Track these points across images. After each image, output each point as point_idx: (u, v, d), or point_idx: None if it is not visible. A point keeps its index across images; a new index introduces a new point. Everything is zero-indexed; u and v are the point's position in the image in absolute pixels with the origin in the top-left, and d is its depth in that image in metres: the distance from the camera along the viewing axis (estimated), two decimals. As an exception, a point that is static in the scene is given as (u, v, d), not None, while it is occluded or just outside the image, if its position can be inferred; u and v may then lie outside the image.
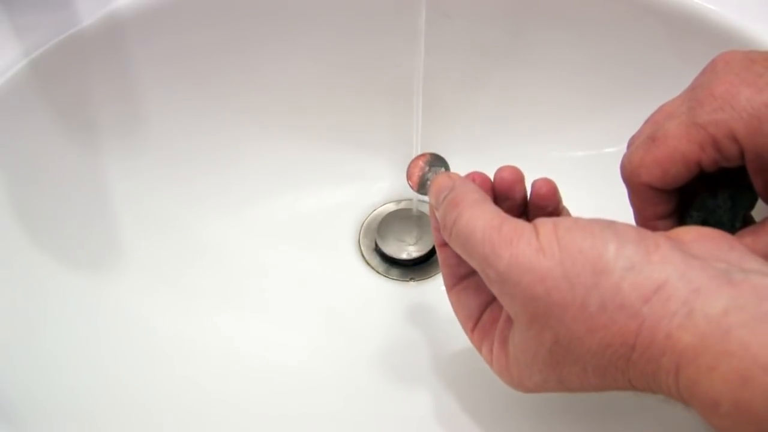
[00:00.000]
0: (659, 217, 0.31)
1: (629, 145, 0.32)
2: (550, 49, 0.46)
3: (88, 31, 0.40)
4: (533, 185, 0.31)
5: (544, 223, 0.26)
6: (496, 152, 0.49)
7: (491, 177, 0.32)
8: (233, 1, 0.43)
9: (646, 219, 0.32)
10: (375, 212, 0.49)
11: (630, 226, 0.26)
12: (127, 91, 0.43)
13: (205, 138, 0.47)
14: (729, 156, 0.28)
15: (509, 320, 0.29)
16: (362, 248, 0.48)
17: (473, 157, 0.48)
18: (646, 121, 0.32)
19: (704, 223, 0.31)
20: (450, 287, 0.33)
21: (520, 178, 0.31)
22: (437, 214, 0.30)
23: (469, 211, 0.28)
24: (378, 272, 0.47)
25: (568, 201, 0.33)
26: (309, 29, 0.45)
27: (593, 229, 0.25)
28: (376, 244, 0.47)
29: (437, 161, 0.34)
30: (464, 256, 0.28)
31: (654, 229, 0.31)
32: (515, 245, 0.26)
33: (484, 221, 0.27)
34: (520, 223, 0.27)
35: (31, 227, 0.39)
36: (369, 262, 0.47)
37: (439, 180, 0.31)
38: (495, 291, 0.27)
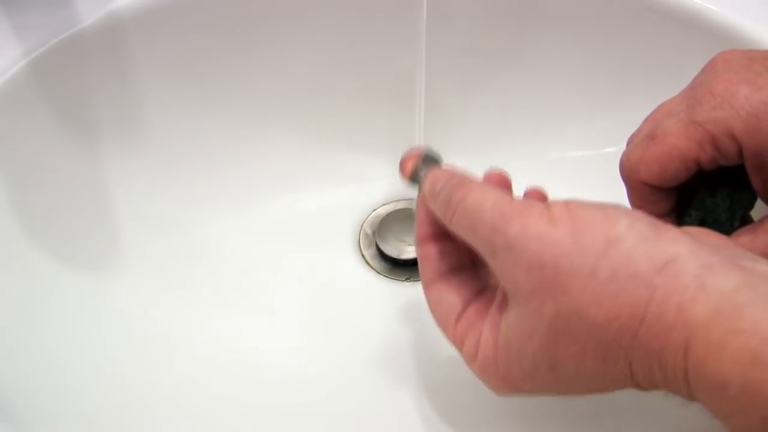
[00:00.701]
0: (658, 216, 0.31)
1: (628, 143, 0.32)
2: (550, 49, 0.46)
3: (88, 31, 0.40)
4: (525, 194, 0.32)
5: (555, 201, 0.26)
6: (497, 152, 0.49)
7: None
8: (234, 2, 0.43)
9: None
10: (375, 212, 0.49)
11: (640, 211, 0.26)
12: (127, 91, 0.43)
13: (206, 139, 0.47)
14: (727, 154, 0.28)
15: (503, 304, 0.28)
16: (362, 248, 0.48)
17: (474, 157, 0.48)
18: (646, 120, 0.32)
19: (702, 222, 0.31)
20: (429, 283, 0.31)
21: (507, 185, 0.31)
22: (435, 202, 0.30)
23: (478, 190, 0.28)
24: (377, 272, 0.47)
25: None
26: (309, 30, 0.45)
27: (604, 207, 0.25)
28: (376, 244, 0.47)
29: (432, 158, 0.33)
30: (467, 233, 0.28)
31: None
32: (527, 215, 0.26)
33: (494, 196, 0.27)
34: (531, 200, 0.27)
35: (32, 228, 0.39)
36: (369, 262, 0.47)
37: (437, 171, 0.31)
38: (499, 261, 0.26)
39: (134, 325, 0.40)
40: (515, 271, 0.26)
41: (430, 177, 0.31)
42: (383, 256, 0.47)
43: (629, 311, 0.23)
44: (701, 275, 0.23)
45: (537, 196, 0.31)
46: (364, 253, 0.47)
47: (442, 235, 0.31)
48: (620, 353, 0.24)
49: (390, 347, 0.42)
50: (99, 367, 0.38)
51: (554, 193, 0.32)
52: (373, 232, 0.48)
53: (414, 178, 0.32)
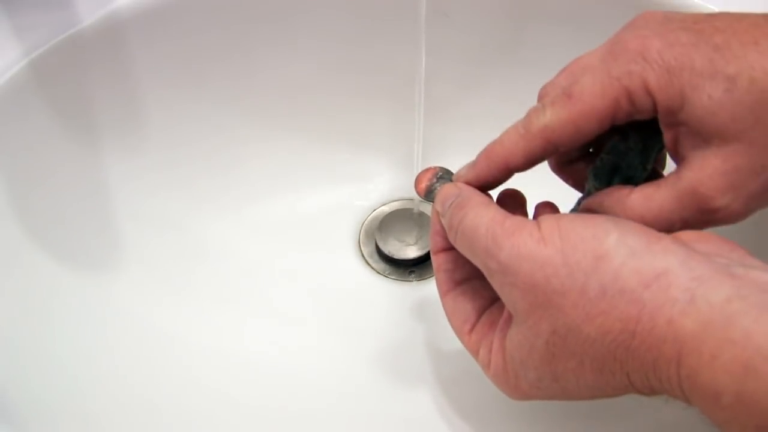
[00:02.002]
0: (568, 162, 0.32)
1: (542, 97, 0.32)
2: (549, 48, 0.46)
3: (88, 31, 0.40)
4: (537, 207, 0.32)
5: (546, 218, 0.27)
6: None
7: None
8: (234, 2, 0.43)
9: (556, 164, 0.32)
10: (375, 212, 0.49)
11: (632, 221, 0.26)
12: (127, 91, 0.43)
13: (206, 138, 0.47)
14: (642, 109, 0.27)
15: (509, 319, 0.29)
16: (362, 248, 0.48)
17: (474, 157, 0.48)
18: (562, 72, 0.32)
19: (615, 166, 0.31)
20: (445, 292, 0.32)
21: (521, 201, 0.32)
22: (444, 220, 0.30)
23: (475, 210, 0.28)
24: (378, 272, 0.47)
25: (567, 201, 0.33)
26: (308, 29, 0.45)
27: (595, 221, 0.26)
28: (376, 244, 0.47)
29: (446, 174, 0.34)
30: (468, 255, 0.29)
31: (566, 175, 0.32)
32: (517, 236, 0.26)
33: (488, 218, 0.27)
34: (524, 219, 0.27)
35: (32, 228, 0.39)
36: (369, 262, 0.47)
37: (446, 188, 0.31)
38: (496, 284, 0.27)
39: (135, 324, 0.40)
40: (511, 292, 0.26)
41: (441, 195, 0.31)
42: (383, 256, 0.47)
43: (620, 326, 0.24)
44: (692, 287, 0.23)
45: (548, 208, 0.31)
46: (364, 252, 0.47)
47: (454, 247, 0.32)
48: (616, 365, 0.24)
49: (390, 346, 0.42)
50: (99, 367, 0.37)
51: (554, 193, 0.32)
52: (373, 232, 0.48)
53: (429, 194, 0.32)
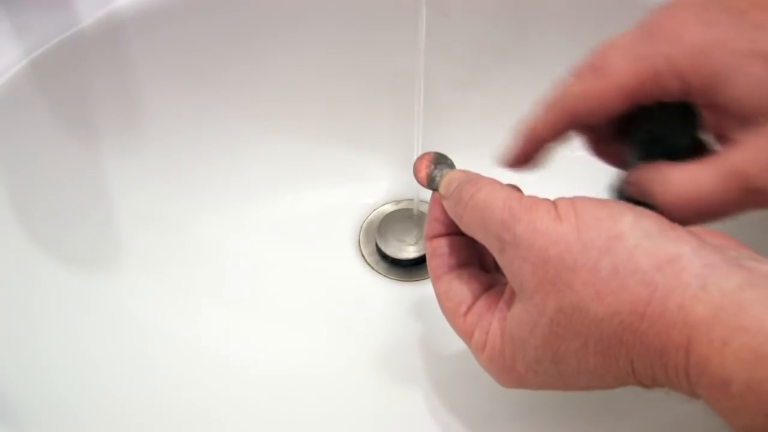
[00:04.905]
0: (604, 141, 0.31)
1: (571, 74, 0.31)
2: (550, 47, 0.46)
3: (88, 31, 0.40)
4: None
5: (562, 199, 0.27)
6: (497, 152, 0.48)
7: None
8: (235, 2, 0.43)
9: (594, 145, 0.32)
10: (375, 212, 0.49)
11: (647, 209, 0.26)
12: (127, 91, 0.43)
13: (205, 138, 0.47)
14: (669, 91, 0.27)
15: (511, 299, 0.28)
16: (362, 248, 0.48)
17: (473, 157, 0.48)
18: (591, 51, 0.30)
19: (659, 135, 0.29)
20: (439, 276, 0.32)
21: None
22: (448, 201, 0.30)
23: (490, 186, 0.29)
24: (378, 272, 0.47)
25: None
26: (309, 29, 0.45)
27: (610, 204, 0.26)
28: (376, 244, 0.47)
29: (442, 159, 0.34)
30: (476, 229, 0.28)
31: (606, 155, 0.32)
32: (534, 212, 0.26)
33: (504, 194, 0.28)
34: (539, 198, 0.27)
35: (32, 228, 0.39)
36: (369, 262, 0.47)
37: (453, 173, 0.31)
38: (507, 257, 0.27)
39: (134, 324, 0.40)
40: (522, 266, 0.26)
41: (446, 178, 0.31)
42: (383, 256, 0.47)
43: (630, 308, 0.23)
44: (704, 274, 0.23)
45: None
46: (364, 252, 0.47)
47: (452, 233, 0.32)
48: (621, 349, 0.24)
49: (389, 347, 0.42)
50: (98, 367, 0.38)
51: (555, 193, 0.32)
52: (373, 232, 0.48)
53: (431, 181, 0.32)
